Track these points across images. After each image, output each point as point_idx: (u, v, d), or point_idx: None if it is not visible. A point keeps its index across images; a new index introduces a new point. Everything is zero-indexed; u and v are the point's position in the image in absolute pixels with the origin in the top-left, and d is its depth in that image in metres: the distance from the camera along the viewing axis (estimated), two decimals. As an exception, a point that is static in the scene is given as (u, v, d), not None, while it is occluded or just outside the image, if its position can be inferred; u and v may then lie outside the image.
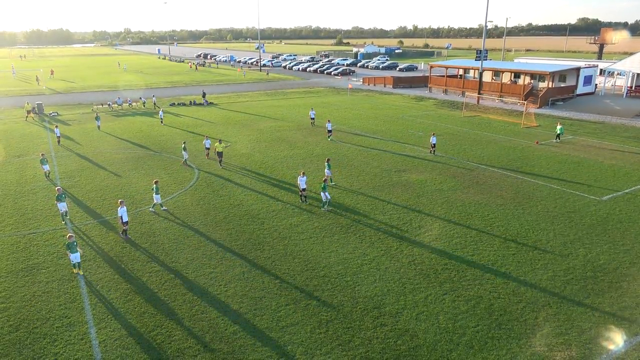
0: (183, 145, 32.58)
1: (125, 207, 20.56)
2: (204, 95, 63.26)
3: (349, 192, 26.69)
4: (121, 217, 20.42)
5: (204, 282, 17.34)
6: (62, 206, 22.23)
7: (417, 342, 13.96)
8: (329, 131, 39.86)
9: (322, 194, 23.89)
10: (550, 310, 15.46)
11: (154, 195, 23.65)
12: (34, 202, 25.63)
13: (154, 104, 59.53)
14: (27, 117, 51.13)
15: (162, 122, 47.97)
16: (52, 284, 17.30)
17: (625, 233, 21.26)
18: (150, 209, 24.17)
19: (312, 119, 46.02)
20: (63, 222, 22.58)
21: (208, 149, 34.03)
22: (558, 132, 38.93)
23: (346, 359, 13.29)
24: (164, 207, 24.38)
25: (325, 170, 27.46)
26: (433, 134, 34.71)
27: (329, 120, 40.66)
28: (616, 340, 14.00)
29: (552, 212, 23.77)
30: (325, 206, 24.09)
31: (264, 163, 33.03)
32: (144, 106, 59.29)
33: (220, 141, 32.08)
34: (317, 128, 44.82)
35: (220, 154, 31.85)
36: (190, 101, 61.77)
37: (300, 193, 25.16)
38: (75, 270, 17.95)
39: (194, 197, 26.26)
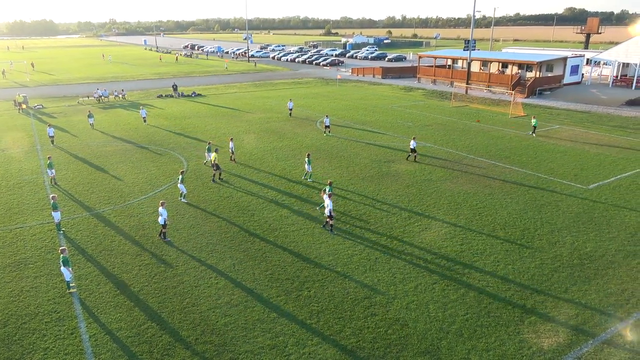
0: (208, 146, 29.55)
1: (164, 209, 19.66)
2: (175, 88, 61.40)
3: (338, 183, 26.69)
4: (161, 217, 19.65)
5: (194, 275, 17.29)
6: (57, 216, 20.59)
7: (407, 331, 14.10)
8: (327, 126, 38.32)
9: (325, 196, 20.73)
10: (538, 298, 15.68)
11: (179, 184, 23.81)
12: (20, 196, 25.29)
13: (123, 97, 58.58)
14: (19, 109, 50.76)
15: (145, 121, 43.54)
16: (41, 279, 17.13)
17: (611, 221, 21.58)
18: (182, 199, 24.18)
19: (290, 109, 46.24)
20: (59, 232, 20.83)
21: (233, 152, 31.08)
22: (533, 124, 38.49)
23: (337, 349, 13.38)
24: (184, 199, 24.27)
25: (305, 165, 26.82)
26: (413, 138, 30.91)
27: (327, 115, 39.18)
28: (603, 326, 14.25)
29: (540, 200, 24.03)
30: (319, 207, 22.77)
31: (253, 155, 32.89)
32: (123, 98, 58.40)
33: (216, 150, 27.86)
34: (299, 119, 44.67)
35: (217, 166, 27.35)
36: (179, 93, 61.13)
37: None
38: (69, 290, 16.35)
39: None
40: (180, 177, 23.84)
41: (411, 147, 30.46)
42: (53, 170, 26.64)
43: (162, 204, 19.72)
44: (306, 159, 26.85)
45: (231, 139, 31.50)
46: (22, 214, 22.97)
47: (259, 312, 15.12)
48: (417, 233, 20.50)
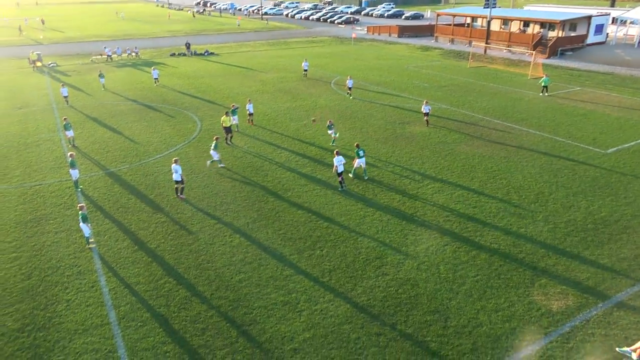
0: (233, 109, 28.69)
1: (177, 165, 19.84)
2: (188, 46, 60.94)
3: (352, 144, 26.57)
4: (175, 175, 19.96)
5: (209, 233, 17.64)
6: (75, 173, 20.99)
7: (417, 291, 14.35)
8: (350, 88, 37.01)
9: (357, 160, 21.68)
10: (549, 261, 15.75)
11: (211, 151, 23.20)
12: (37, 154, 25.71)
13: (136, 55, 58.31)
14: (34, 67, 50.92)
15: (156, 82, 42.30)
16: (61, 234, 17.65)
17: (628, 186, 21.29)
18: (220, 164, 23.57)
19: (305, 70, 44.96)
20: (75, 190, 21.37)
21: (251, 114, 30.27)
22: (543, 83, 37.49)
23: (349, 307, 13.71)
24: (221, 164, 23.63)
25: (329, 131, 26.34)
26: (426, 102, 29.54)
27: (350, 77, 37.61)
28: (613, 290, 14.33)
29: (556, 164, 23.73)
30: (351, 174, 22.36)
31: (266, 115, 32.74)
32: (137, 56, 58.08)
33: (227, 113, 26.76)
34: (313, 80, 44.07)
35: (228, 129, 26.90)
36: (192, 51, 60.47)
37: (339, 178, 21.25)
38: (89, 245, 16.91)
39: (197, 149, 26.25)
40: (214, 143, 23.11)
41: (424, 111, 29.41)
42: (72, 131, 26.33)
43: (176, 161, 19.95)
44: (328, 124, 26.26)
45: (249, 100, 30.74)
46: (41, 172, 23.41)
47: (272, 269, 15.46)
48: (430, 195, 20.49)
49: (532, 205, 19.53)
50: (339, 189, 21.05)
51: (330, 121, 26.48)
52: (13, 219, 18.86)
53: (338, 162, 20.51)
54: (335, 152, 20.90)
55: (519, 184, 21.52)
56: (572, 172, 22.84)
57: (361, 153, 21.53)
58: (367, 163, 23.38)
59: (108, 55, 56.40)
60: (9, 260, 16.03)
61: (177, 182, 20.14)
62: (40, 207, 19.86)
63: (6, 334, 12.80)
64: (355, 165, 22.02)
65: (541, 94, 37.52)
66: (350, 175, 22.33)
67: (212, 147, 23.11)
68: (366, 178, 22.10)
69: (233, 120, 28.15)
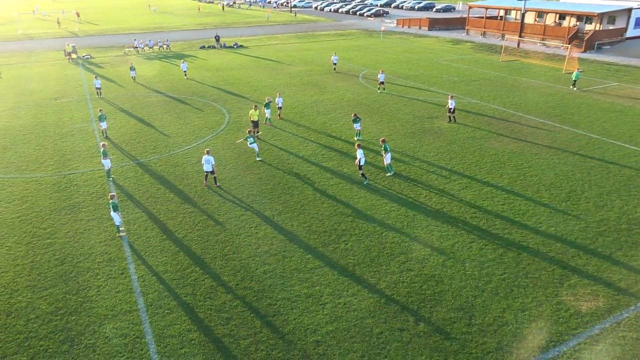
0: (266, 103, 28.77)
1: (210, 155, 20.32)
2: (217, 39, 61.77)
3: (379, 138, 26.41)
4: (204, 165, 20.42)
5: (235, 224, 17.87)
6: (107, 163, 21.40)
7: (442, 288, 14.21)
8: (381, 82, 36.29)
9: (385, 156, 21.42)
10: (579, 261, 15.34)
11: (252, 144, 23.15)
12: (72, 144, 26.50)
13: (167, 47, 59.17)
14: (69, 58, 52.36)
15: (185, 75, 42.73)
16: (93, 222, 18.18)
17: (666, 185, 20.49)
18: (257, 158, 23.39)
19: (335, 63, 44.73)
20: (107, 179, 21.85)
21: (280, 108, 30.09)
22: (573, 78, 36.66)
23: (372, 301, 13.70)
24: (258, 157, 23.46)
25: (355, 124, 25.94)
26: (451, 97, 28.45)
27: (382, 71, 36.93)
28: (646, 292, 13.88)
29: (590, 162, 23.02)
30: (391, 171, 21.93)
31: (293, 108, 32.82)
32: (168, 49, 59.02)
33: (255, 107, 26.27)
34: (341, 73, 43.86)
35: (255, 123, 26.44)
36: (222, 44, 61.06)
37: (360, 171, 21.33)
38: (119, 234, 17.25)
39: (225, 141, 26.56)
40: (249, 137, 23.06)
41: (450, 106, 28.43)
42: (105, 123, 26.68)
43: (207, 152, 20.33)
44: (353, 117, 25.93)
45: (279, 94, 30.44)
46: (75, 161, 24.13)
47: (296, 262, 15.57)
48: (457, 191, 20.20)
49: (563, 204, 19.03)
50: (365, 182, 20.99)
51: (355, 114, 26.21)
52: (48, 206, 19.54)
53: (360, 154, 20.51)
54: (356, 145, 20.87)
55: (550, 182, 20.99)
56: (606, 170, 22.13)
57: (388, 147, 21.36)
58: (393, 158, 23.21)
59: (135, 47, 57.59)
60: (44, 246, 16.63)
61: (208, 172, 20.51)
62: (73, 195, 20.49)
63: (41, 316, 13.31)
64: (386, 162, 21.68)
65: (572, 87, 36.59)
66: (389, 174, 21.80)
67: (251, 142, 23.00)
68: (391, 173, 21.92)
69: (266, 113, 28.50)
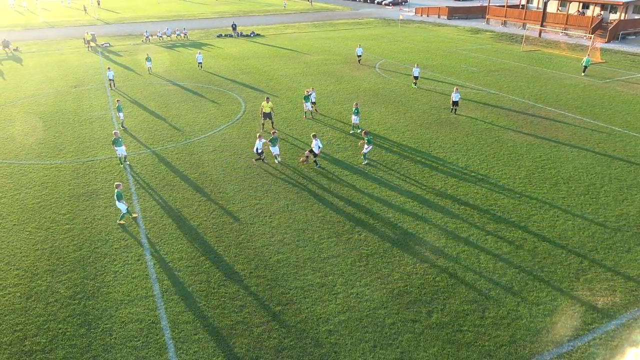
0: (305, 95, 28.07)
1: (262, 139, 21.58)
2: (234, 27, 61.73)
3: (395, 129, 26.23)
4: (257, 148, 21.69)
5: (249, 213, 17.98)
6: (120, 150, 21.57)
7: (456, 280, 14.13)
8: (416, 77, 34.39)
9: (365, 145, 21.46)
10: (597, 256, 15.10)
11: (352, 116, 25.25)
12: (90, 131, 26.86)
13: (185, 36, 59.25)
14: (88, 46, 52.90)
15: (200, 67, 41.86)
16: (110, 209, 18.46)
17: (689, 180, 19.98)
18: (277, 160, 22.38)
19: (359, 56, 43.03)
20: (121, 166, 22.07)
21: (314, 103, 28.85)
22: (584, 64, 36.07)
23: (385, 292, 13.70)
24: (278, 159, 22.37)
25: (353, 116, 25.35)
26: (456, 89, 28.11)
27: (416, 65, 34.85)
28: (665, 288, 13.61)
29: (611, 155, 22.54)
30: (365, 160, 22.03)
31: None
32: (185, 37, 59.18)
33: (267, 99, 25.51)
34: (360, 64, 43.48)
35: (267, 115, 25.74)
36: (238, 32, 61.01)
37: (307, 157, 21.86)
38: (120, 222, 17.44)
39: (241, 130, 26.65)
40: (271, 138, 21.96)
41: (453, 99, 27.86)
42: (122, 114, 26.51)
43: (259, 137, 21.52)
44: (354, 109, 25.20)
45: (312, 89, 28.85)
46: (93, 148, 24.48)
47: (310, 251, 15.62)
48: (473, 183, 20.00)
49: (581, 197, 18.71)
50: (315, 166, 21.66)
51: (356, 104, 25.32)
52: (67, 192, 19.89)
53: (315, 145, 21.13)
54: (312, 135, 21.42)
55: (568, 175, 20.63)
56: (627, 163, 21.66)
57: (371, 140, 21.61)
58: (409, 147, 23.06)
59: (146, 37, 57.70)
60: (63, 232, 16.96)
61: (258, 154, 21.74)
62: (92, 181, 20.82)
63: (59, 300, 13.62)
64: (364, 151, 21.57)
65: (582, 74, 36.40)
66: (364, 163, 21.87)
67: (272, 144, 21.89)
68: (365, 162, 21.93)
69: (305, 106, 27.97)
